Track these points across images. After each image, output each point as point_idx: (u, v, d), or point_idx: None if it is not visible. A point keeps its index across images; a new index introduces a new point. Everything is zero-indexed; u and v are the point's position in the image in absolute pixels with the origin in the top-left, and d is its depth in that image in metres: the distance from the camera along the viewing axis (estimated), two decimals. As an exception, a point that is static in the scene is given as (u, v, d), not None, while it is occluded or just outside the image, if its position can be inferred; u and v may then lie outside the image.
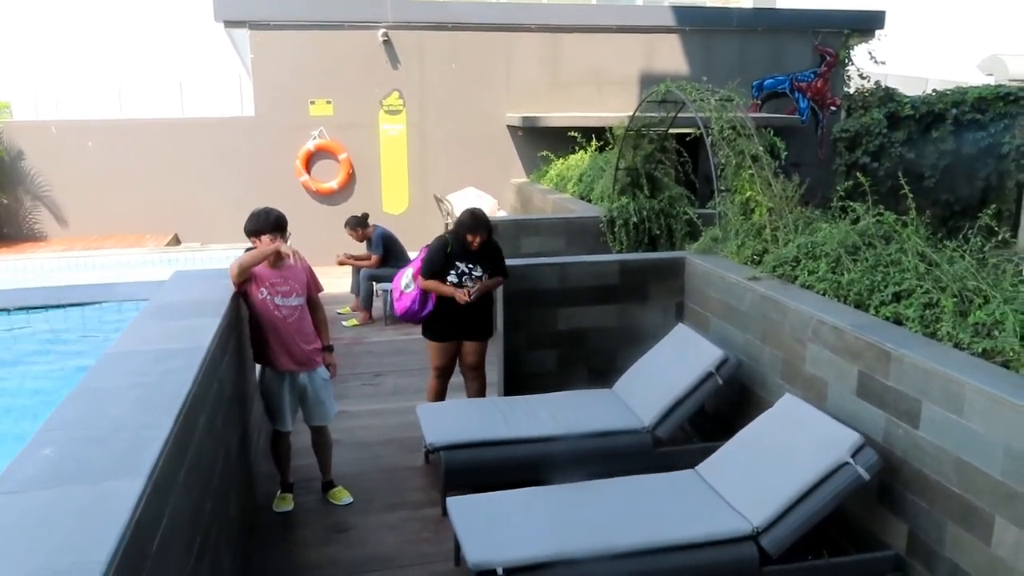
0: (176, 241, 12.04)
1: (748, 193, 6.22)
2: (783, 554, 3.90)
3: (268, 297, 4.55)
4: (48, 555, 1.90)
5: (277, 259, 4.59)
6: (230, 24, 12.10)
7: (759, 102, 13.51)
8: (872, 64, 13.69)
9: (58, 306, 5.30)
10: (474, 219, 5.50)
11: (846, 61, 13.91)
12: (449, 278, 5.55)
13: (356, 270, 9.18)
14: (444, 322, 5.65)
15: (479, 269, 5.57)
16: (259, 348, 4.69)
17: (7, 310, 5.18)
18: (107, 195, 11.99)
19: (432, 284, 5.56)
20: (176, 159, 12.14)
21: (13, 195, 11.88)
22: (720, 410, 5.66)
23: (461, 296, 5.42)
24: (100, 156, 11.96)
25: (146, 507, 2.17)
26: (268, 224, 4.57)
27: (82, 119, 12.96)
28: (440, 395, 5.85)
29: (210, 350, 3.48)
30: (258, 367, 4.83)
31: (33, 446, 2.51)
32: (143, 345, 3.57)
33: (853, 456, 3.88)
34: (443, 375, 5.83)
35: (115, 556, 1.88)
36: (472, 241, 5.48)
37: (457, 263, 5.54)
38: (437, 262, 5.56)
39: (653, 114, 8.35)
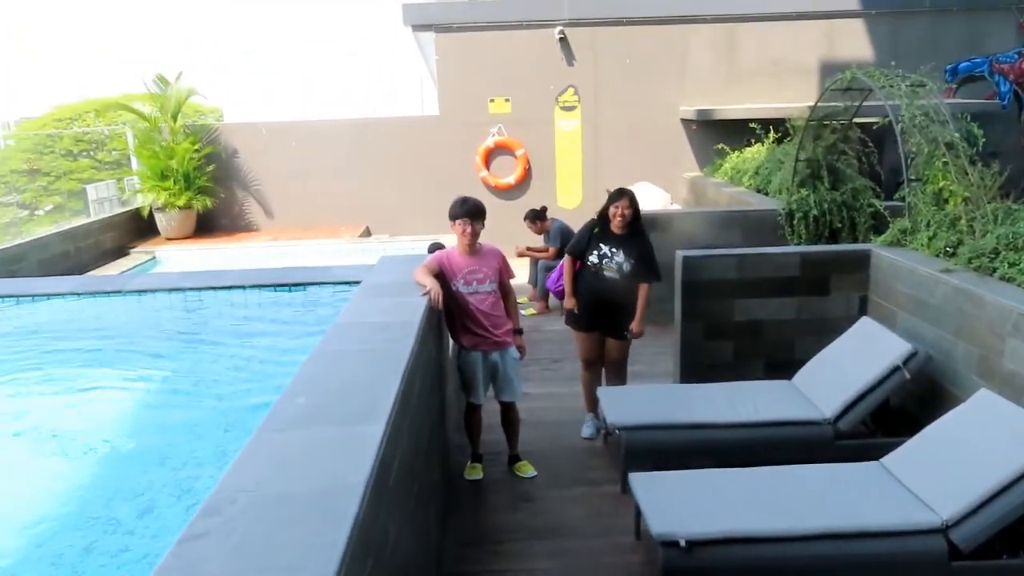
0: (368, 233, 12.94)
1: (941, 183, 5.99)
2: (975, 550, 3.82)
3: (463, 289, 4.94)
4: (317, 478, 2.29)
5: (471, 247, 4.97)
6: (417, 28, 12.85)
7: (954, 87, 12.70)
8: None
9: (284, 285, 6.04)
10: (619, 191, 5.62)
11: (1057, 40, 12.81)
12: (590, 258, 5.64)
13: (534, 261, 9.56)
14: (585, 312, 5.78)
15: (621, 255, 5.54)
16: (456, 329, 5.10)
17: (243, 287, 6.05)
18: (307, 190, 13.10)
19: (567, 264, 5.82)
20: (367, 156, 13.05)
21: (229, 190, 13.24)
22: (906, 406, 5.51)
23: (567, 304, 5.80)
24: (302, 154, 13.07)
25: (386, 448, 2.54)
26: (461, 210, 4.94)
27: (286, 120, 14.18)
28: (591, 386, 5.90)
29: (421, 324, 3.88)
30: (453, 344, 5.24)
31: (287, 396, 2.96)
32: (364, 318, 4.05)
33: (1056, 453, 3.74)
34: (590, 367, 5.94)
35: (369, 482, 2.25)
36: (615, 213, 5.52)
37: (601, 244, 5.60)
38: (582, 240, 5.73)
39: (836, 103, 8.13)
